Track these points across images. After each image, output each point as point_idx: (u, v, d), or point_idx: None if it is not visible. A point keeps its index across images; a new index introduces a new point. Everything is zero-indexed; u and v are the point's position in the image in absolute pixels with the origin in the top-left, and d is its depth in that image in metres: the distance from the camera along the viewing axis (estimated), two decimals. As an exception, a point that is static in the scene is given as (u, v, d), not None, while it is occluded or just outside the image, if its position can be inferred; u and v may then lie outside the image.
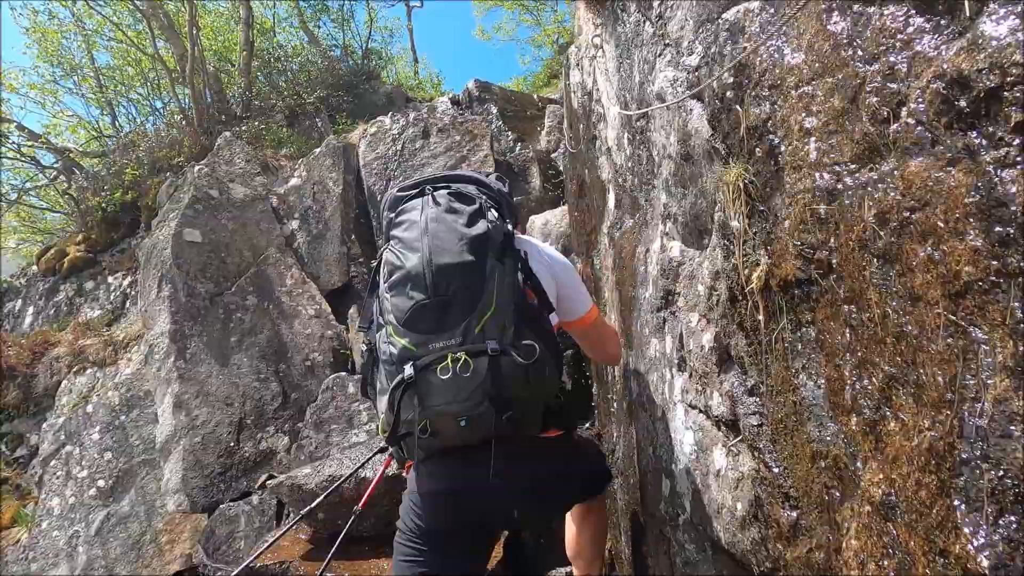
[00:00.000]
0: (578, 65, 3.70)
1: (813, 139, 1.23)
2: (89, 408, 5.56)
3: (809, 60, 1.23)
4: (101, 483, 5.18)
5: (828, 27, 1.19)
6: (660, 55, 2.11)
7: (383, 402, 1.76)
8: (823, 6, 1.20)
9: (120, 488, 5.14)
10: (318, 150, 6.30)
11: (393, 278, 1.80)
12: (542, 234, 5.89)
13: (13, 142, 7.87)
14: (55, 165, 8.18)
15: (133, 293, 6.05)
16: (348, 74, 8.51)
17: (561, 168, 7.68)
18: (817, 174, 1.21)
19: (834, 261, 1.18)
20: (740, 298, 1.52)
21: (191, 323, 5.02)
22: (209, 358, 4.91)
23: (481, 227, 1.85)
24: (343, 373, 4.60)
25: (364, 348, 1.93)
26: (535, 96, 9.59)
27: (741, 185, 1.48)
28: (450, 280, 1.76)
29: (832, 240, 1.18)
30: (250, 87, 7.78)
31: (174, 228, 5.27)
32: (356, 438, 4.23)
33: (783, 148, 1.33)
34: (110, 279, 7.09)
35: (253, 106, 7.71)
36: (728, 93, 1.54)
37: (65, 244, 7.45)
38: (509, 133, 8.31)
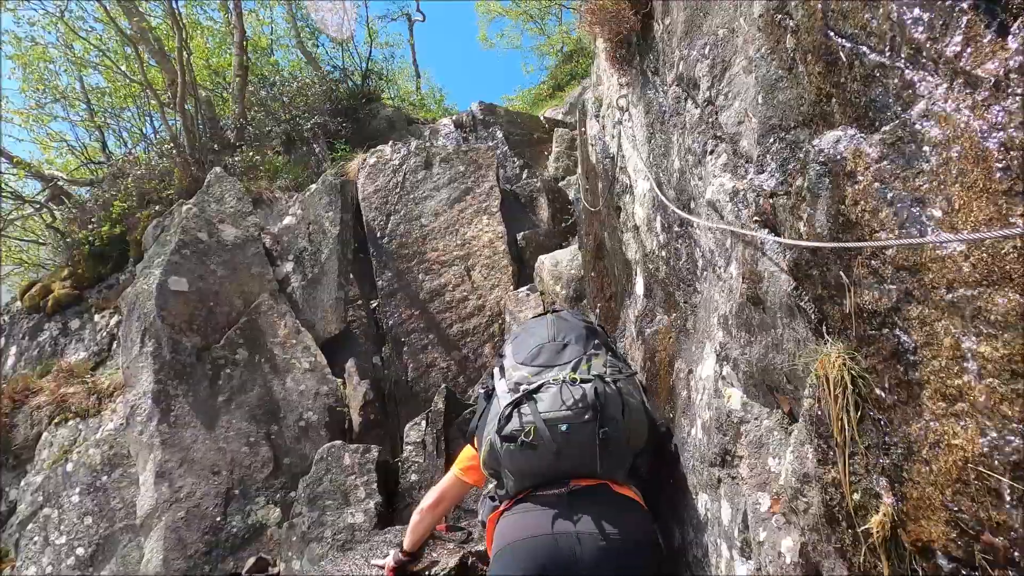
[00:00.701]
0: (597, 116, 3.34)
1: (982, 374, 0.86)
2: (69, 467, 5.20)
3: (976, 258, 0.86)
4: (80, 551, 4.82)
5: (1012, 218, 0.82)
6: (711, 152, 1.75)
7: (492, 425, 2.01)
8: (1003, 187, 0.83)
9: (101, 557, 4.78)
10: (314, 187, 5.94)
11: (519, 348, 2.26)
12: (552, 276, 5.52)
13: (-3, 171, 7.52)
14: (37, 196, 7.82)
15: (120, 334, 5.69)
16: (347, 97, 8.15)
17: (572, 199, 7.32)
18: (989, 428, 0.84)
19: None
20: (843, 523, 1.15)
21: (176, 382, 4.66)
22: (195, 420, 4.55)
23: (592, 327, 2.34)
24: (338, 442, 4.23)
25: (481, 392, 2.27)
26: (541, 117, 9.23)
27: (846, 379, 1.11)
28: (567, 334, 2.23)
29: (1020, 531, 0.81)
30: (244, 114, 7.43)
31: (158, 276, 4.91)
32: (352, 518, 3.87)
33: (922, 361, 0.96)
34: (97, 318, 6.74)
35: (248, 133, 7.36)
36: (825, 249, 1.17)
37: (50, 280, 7.10)
38: (516, 159, 7.95)
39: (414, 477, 4.11)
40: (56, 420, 5.74)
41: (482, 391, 2.24)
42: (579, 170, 4.21)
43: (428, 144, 6.96)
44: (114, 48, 7.68)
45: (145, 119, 8.17)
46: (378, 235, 6.10)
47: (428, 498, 2.60)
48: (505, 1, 19.82)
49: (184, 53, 6.30)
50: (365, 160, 6.73)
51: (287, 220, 5.85)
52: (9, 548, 5.38)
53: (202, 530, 4.21)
